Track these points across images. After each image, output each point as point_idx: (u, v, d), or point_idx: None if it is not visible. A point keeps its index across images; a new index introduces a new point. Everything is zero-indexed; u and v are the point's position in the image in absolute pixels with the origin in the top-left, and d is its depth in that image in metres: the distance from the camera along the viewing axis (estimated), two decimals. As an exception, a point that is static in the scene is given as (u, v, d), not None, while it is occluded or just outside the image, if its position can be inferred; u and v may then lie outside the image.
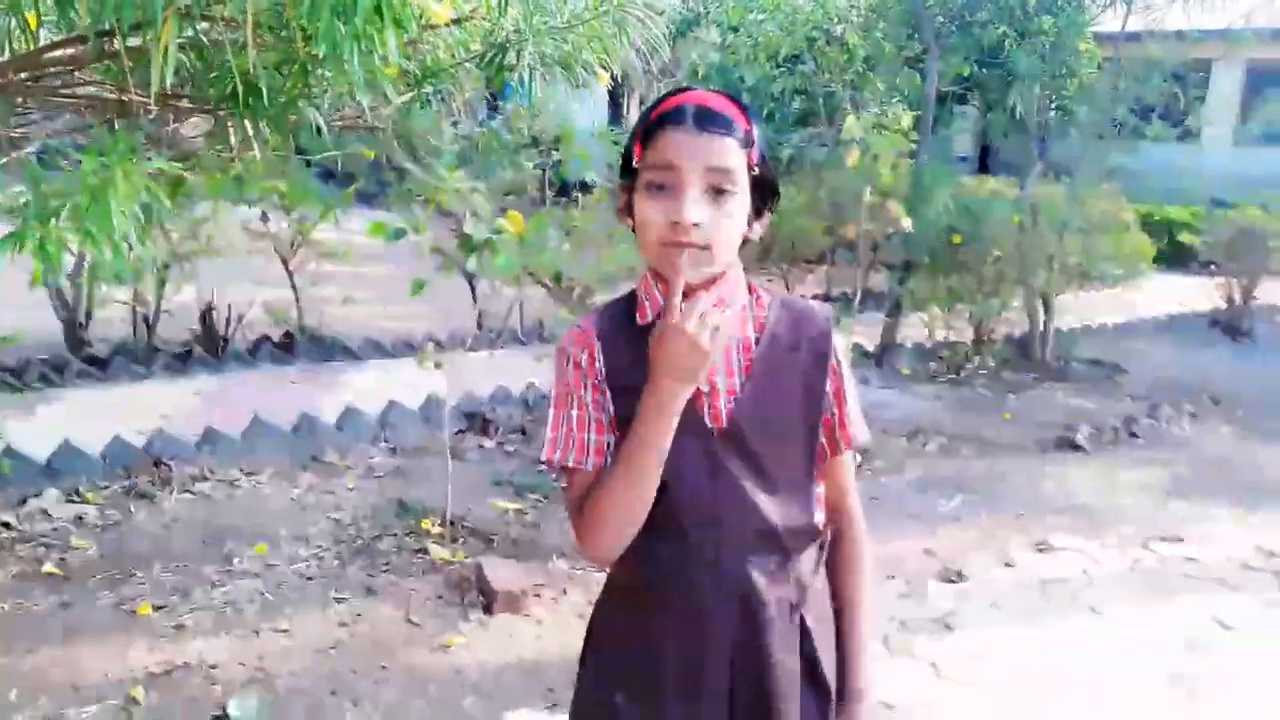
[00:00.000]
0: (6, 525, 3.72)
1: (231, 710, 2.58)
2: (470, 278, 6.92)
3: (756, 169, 1.22)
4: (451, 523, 3.78)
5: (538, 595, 3.30)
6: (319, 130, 1.96)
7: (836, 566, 1.39)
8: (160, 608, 3.16)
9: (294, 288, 6.55)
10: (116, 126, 2.05)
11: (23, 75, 2.18)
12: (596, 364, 1.29)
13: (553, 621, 3.18)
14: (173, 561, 3.50)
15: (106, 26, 1.86)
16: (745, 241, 1.28)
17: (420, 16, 1.59)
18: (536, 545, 3.76)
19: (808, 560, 1.33)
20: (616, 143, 3.22)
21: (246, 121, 1.93)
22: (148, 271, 5.52)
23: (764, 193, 1.26)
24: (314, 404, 5.26)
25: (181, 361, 5.97)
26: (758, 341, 1.29)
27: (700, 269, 1.21)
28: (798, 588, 1.31)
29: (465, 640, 3.03)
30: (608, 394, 1.29)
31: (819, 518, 1.34)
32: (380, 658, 2.92)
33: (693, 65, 10.58)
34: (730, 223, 1.21)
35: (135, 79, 2.40)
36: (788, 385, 1.29)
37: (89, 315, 6.09)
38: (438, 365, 3.80)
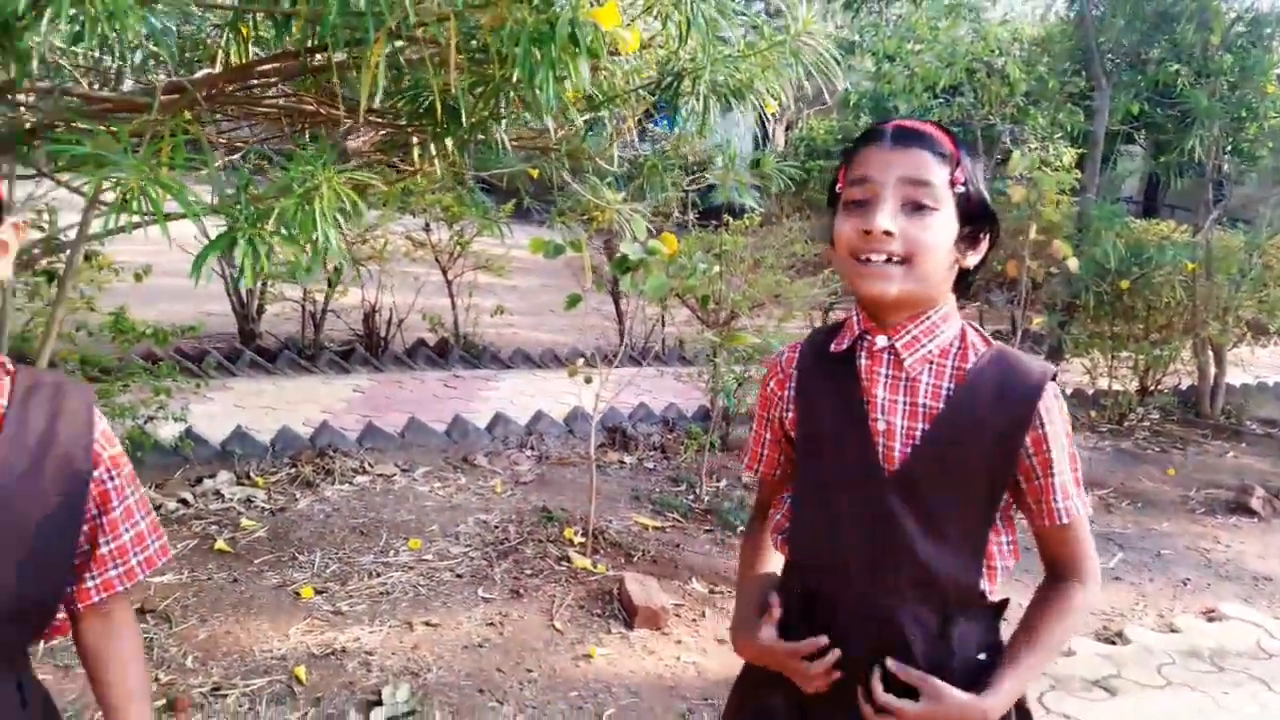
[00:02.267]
0: (185, 502, 4.01)
1: (385, 697, 2.70)
2: (616, 296, 7.06)
3: (962, 187, 1.18)
4: (593, 534, 3.85)
5: (678, 615, 3.32)
6: (501, 150, 2.05)
7: (1036, 601, 1.31)
8: (321, 592, 3.34)
9: (451, 296, 6.83)
10: (318, 137, 2.20)
11: (230, 86, 2.37)
12: (786, 389, 1.34)
13: (693, 642, 3.19)
14: (332, 548, 3.69)
15: (310, 44, 2.01)
16: (964, 275, 1.24)
17: (611, 44, 1.65)
18: (676, 565, 3.79)
19: (970, 628, 1.26)
20: (763, 167, 3.22)
21: (436, 139, 2.04)
22: (321, 273, 5.86)
23: (975, 217, 1.22)
24: (466, 408, 5.47)
25: (344, 359, 6.30)
26: (954, 389, 1.23)
27: (894, 285, 1.17)
28: (949, 650, 1.24)
29: (607, 652, 3.08)
30: (791, 415, 1.33)
31: (986, 584, 1.26)
32: (525, 660, 3.00)
33: (845, 95, 10.48)
34: (929, 238, 1.17)
35: (323, 93, 2.58)
36: (977, 439, 1.22)
37: (260, 310, 6.52)
38: (588, 380, 3.89)
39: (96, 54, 2.44)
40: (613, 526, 4.07)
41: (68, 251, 3.32)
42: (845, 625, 1.26)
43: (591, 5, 1.55)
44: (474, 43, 1.76)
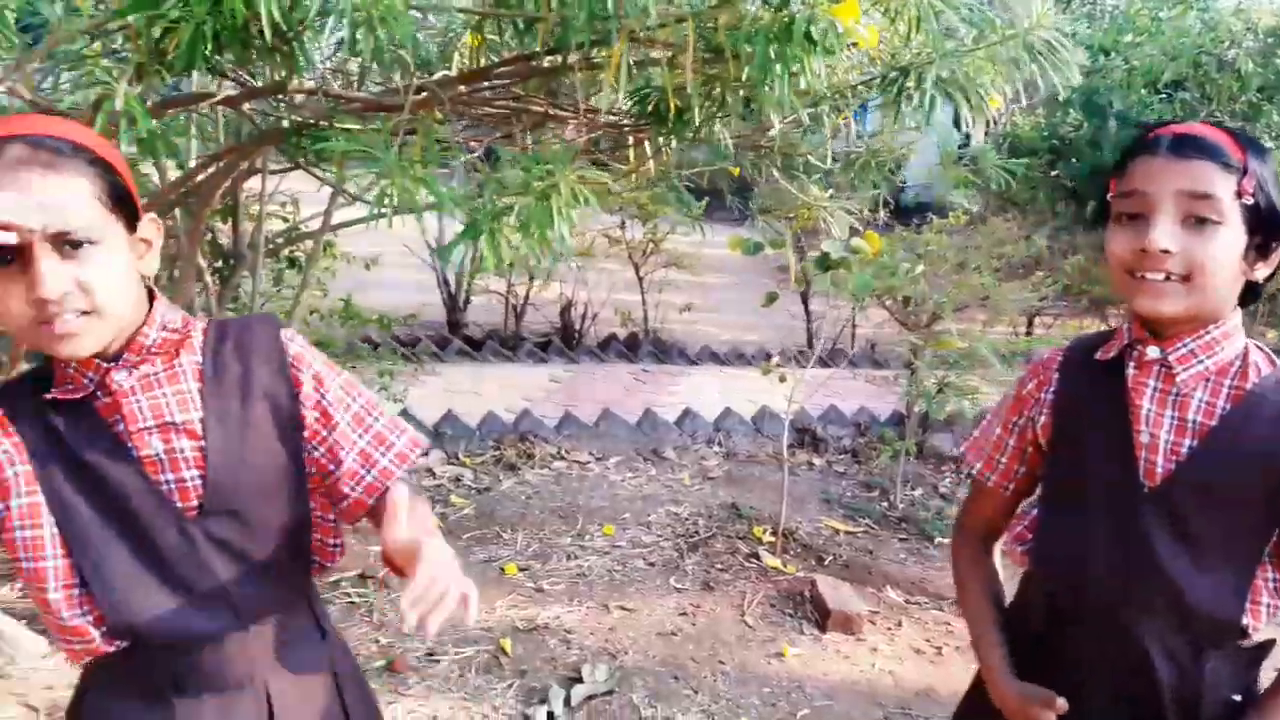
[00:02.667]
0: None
1: (586, 675, 2.80)
2: (806, 295, 6.99)
3: (1251, 198, 1.08)
4: (783, 534, 3.84)
5: (872, 621, 3.27)
6: (723, 148, 2.08)
7: None
8: (523, 569, 3.50)
9: (642, 292, 6.97)
10: (540, 139, 2.30)
11: (465, 88, 2.51)
12: (1042, 395, 1.28)
13: (889, 650, 3.14)
14: (533, 529, 3.85)
15: (538, 48, 2.10)
16: (1252, 289, 1.15)
17: (845, 40, 1.65)
18: (869, 571, 3.72)
19: (1225, 666, 1.17)
20: (982, 163, 3.10)
21: (660, 138, 2.09)
22: (523, 267, 6.12)
23: (1266, 227, 1.11)
24: (655, 402, 5.57)
25: (542, 350, 6.56)
26: (1230, 408, 1.15)
27: (1172, 303, 1.11)
28: (1198, 686, 1.16)
29: (800, 652, 3.07)
30: (1045, 420, 1.27)
31: (1249, 620, 1.16)
32: (717, 651, 3.03)
33: (1054, 89, 9.88)
34: (1212, 256, 1.08)
35: (548, 93, 2.69)
36: (1250, 463, 1.13)
37: (467, 301, 6.88)
38: (782, 378, 3.88)
39: (344, 57, 2.65)
40: (803, 528, 4.04)
41: (309, 241, 3.62)
42: (1087, 645, 1.22)
43: (830, 2, 1.55)
44: (705, 42, 1.79)
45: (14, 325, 0.96)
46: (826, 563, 3.76)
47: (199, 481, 1.10)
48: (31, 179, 0.93)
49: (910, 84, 2.19)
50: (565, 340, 6.76)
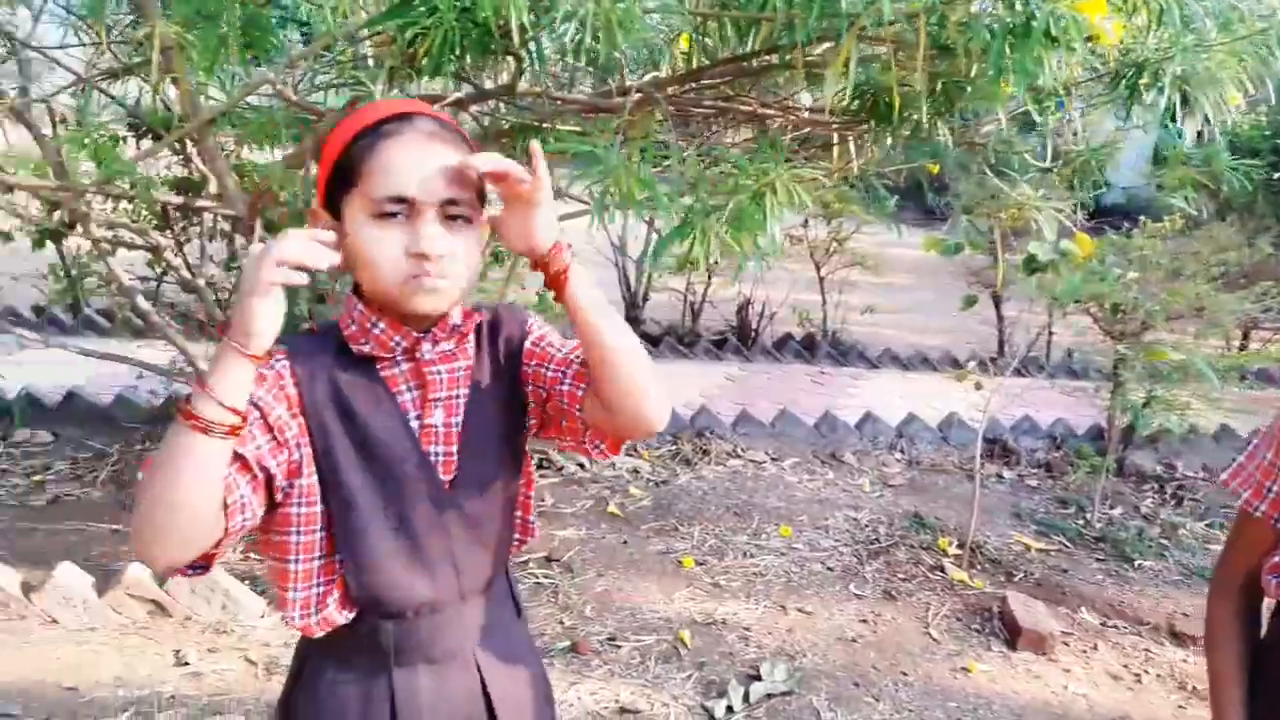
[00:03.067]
0: (582, 466, 4.40)
1: (765, 673, 2.80)
2: (998, 299, 6.71)
3: None
4: (971, 547, 3.71)
5: (1065, 643, 3.12)
6: (943, 146, 2.03)
7: None
8: (700, 563, 3.53)
9: (822, 292, 6.87)
10: (770, 138, 2.30)
11: (676, 88, 2.55)
12: None
13: (1083, 674, 2.98)
14: (709, 524, 3.88)
15: (757, 47, 2.11)
16: None
17: (1087, 39, 1.57)
18: (1063, 591, 3.55)
19: None
20: (1214, 165, 2.89)
21: (876, 135, 2.06)
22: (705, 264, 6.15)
23: None
24: (833, 404, 5.49)
25: (718, 348, 6.58)
26: None
27: None
28: None
29: (987, 669, 2.96)
30: None
31: None
32: (899, 662, 2.97)
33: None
34: None
35: (759, 92, 2.69)
36: None
37: (646, 298, 6.97)
38: (978, 386, 3.74)
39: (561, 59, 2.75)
40: (991, 542, 3.89)
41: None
42: None
43: (1074, -3, 1.49)
44: (932, 39, 1.75)
45: (383, 272, 1.06)
46: (1016, 579, 3.61)
47: (457, 454, 1.17)
48: (440, 150, 1.06)
49: (1144, 81, 2.08)
50: (741, 339, 6.76)
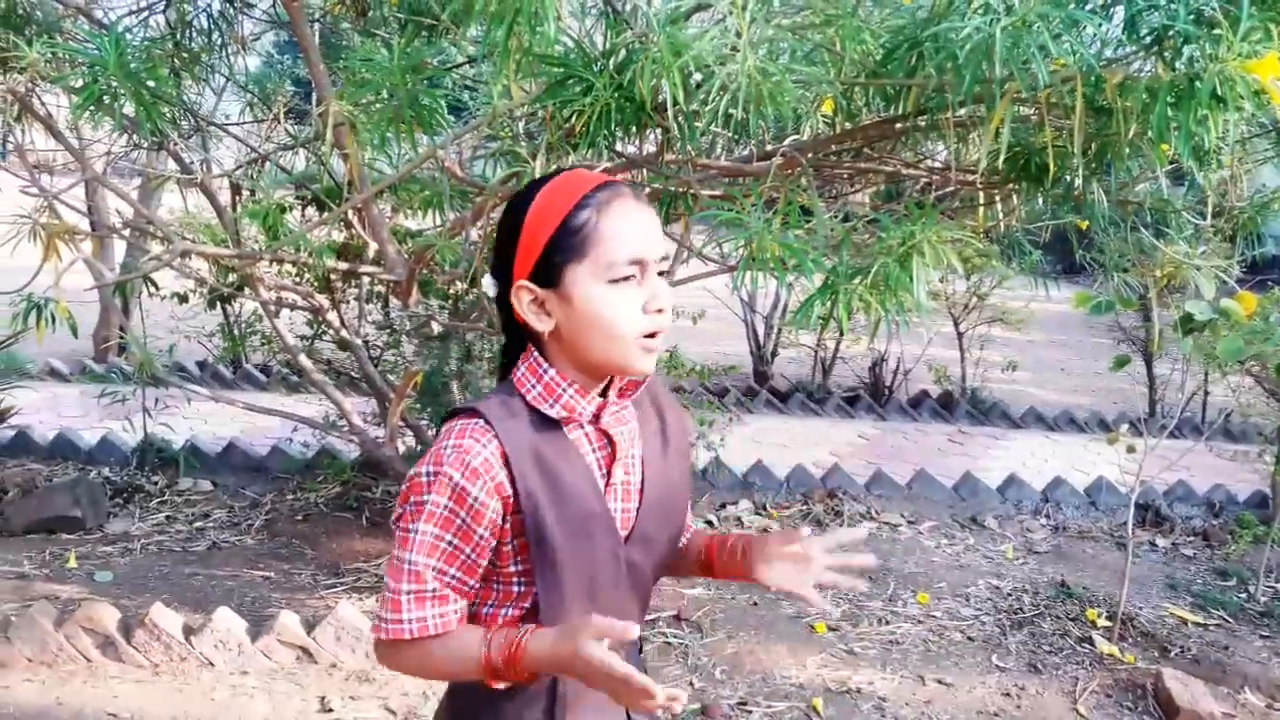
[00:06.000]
0: (709, 524, 4.39)
1: (905, 746, 2.71)
2: (1149, 358, 6.40)
3: None
4: (1122, 620, 3.51)
5: (1229, 727, 2.90)
6: (1099, 208, 1.98)
7: None
8: (833, 629, 3.45)
9: (960, 348, 6.70)
10: (913, 197, 2.30)
11: (820, 152, 2.57)
12: None
13: (1252, 763, 2.77)
14: (842, 590, 3.79)
15: (906, 110, 2.11)
16: None
17: (1256, 95, 1.52)
18: (1224, 669, 3.31)
19: None
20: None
21: (1026, 195, 2.03)
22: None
23: None
24: (973, 465, 5.31)
25: (849, 405, 6.48)
26: None
27: None
28: None
29: (1144, 752, 2.79)
30: None
31: None
32: (1048, 741, 2.83)
33: None
34: None
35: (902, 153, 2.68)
36: None
37: (775, 353, 6.95)
38: (1131, 449, 3.57)
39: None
40: (1143, 614, 3.67)
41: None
42: None
43: (1243, 58, 1.44)
44: (1088, 101, 1.72)
45: (622, 332, 1.12)
46: (1172, 655, 3.38)
47: (634, 511, 1.23)
48: (652, 212, 1.15)
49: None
50: (874, 396, 6.64)
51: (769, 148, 2.27)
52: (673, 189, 2.12)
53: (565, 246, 1.11)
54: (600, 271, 1.10)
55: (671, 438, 1.30)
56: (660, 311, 1.12)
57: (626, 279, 1.10)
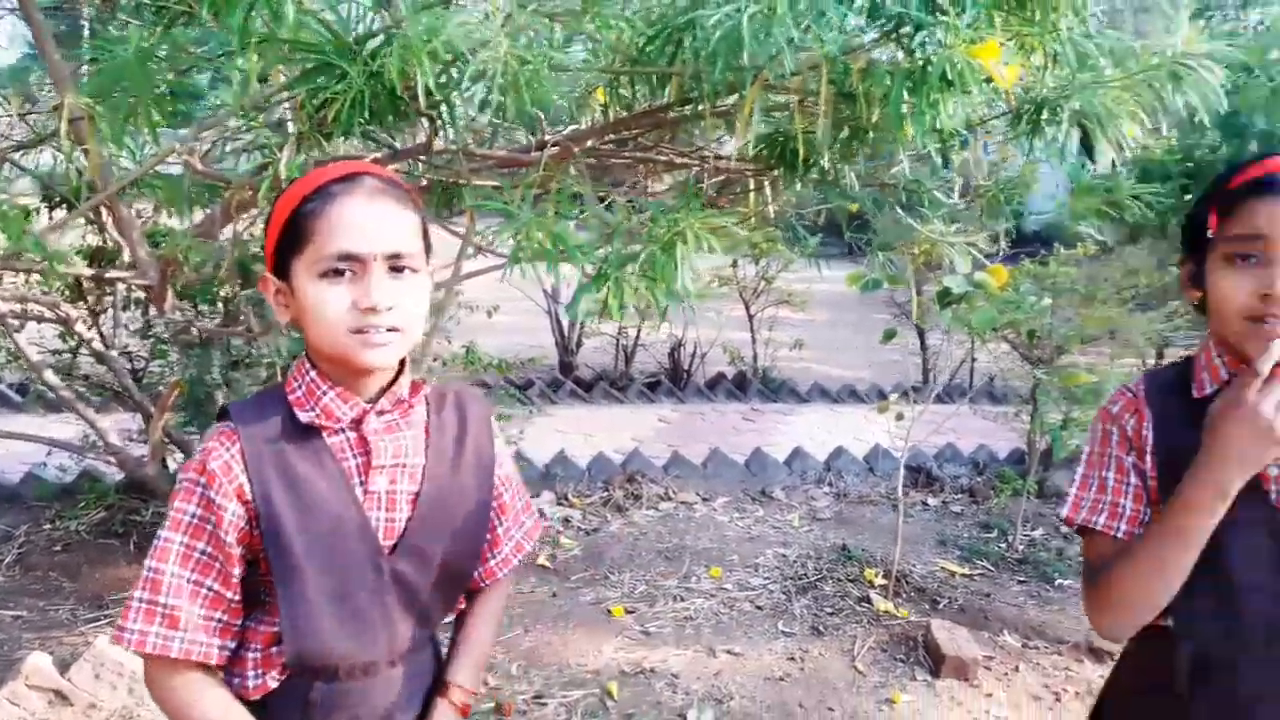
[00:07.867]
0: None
1: (691, 718, 2.79)
2: (922, 331, 6.88)
3: None
4: (896, 577, 3.76)
5: (987, 667, 3.17)
6: (849, 188, 2.09)
7: None
8: (630, 611, 3.51)
9: (751, 330, 6.97)
10: (674, 185, 2.35)
11: (592, 141, 2.59)
12: (1144, 432, 1.23)
13: (1005, 698, 3.04)
14: (640, 570, 3.87)
15: (670, 100, 2.16)
16: None
17: (984, 81, 1.64)
18: (986, 615, 3.62)
19: None
20: (1117, 193, 3.01)
21: (785, 181, 2.12)
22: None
23: None
24: (764, 441, 5.54)
25: (650, 390, 6.61)
26: None
27: None
28: None
29: (911, 699, 3.00)
30: (1150, 463, 1.22)
31: None
32: (826, 698, 2.99)
33: (1190, 109, 9.51)
34: None
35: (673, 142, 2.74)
36: None
37: (579, 344, 6.99)
38: (899, 416, 3.82)
39: (476, 116, 2.77)
40: (916, 570, 3.95)
41: (441, 290, 3.76)
42: (1250, 698, 1.18)
43: (968, 44, 1.55)
44: (836, 87, 1.81)
45: (329, 330, 1.09)
46: (941, 606, 3.67)
47: (404, 521, 1.19)
48: (385, 207, 1.10)
49: (1044, 117, 2.17)
50: (674, 380, 6.80)
51: (546, 138, 2.26)
52: (442, 180, 2.07)
53: (288, 241, 1.10)
54: (312, 265, 1.09)
55: (470, 452, 1.27)
56: (372, 310, 1.09)
57: (338, 273, 1.08)
